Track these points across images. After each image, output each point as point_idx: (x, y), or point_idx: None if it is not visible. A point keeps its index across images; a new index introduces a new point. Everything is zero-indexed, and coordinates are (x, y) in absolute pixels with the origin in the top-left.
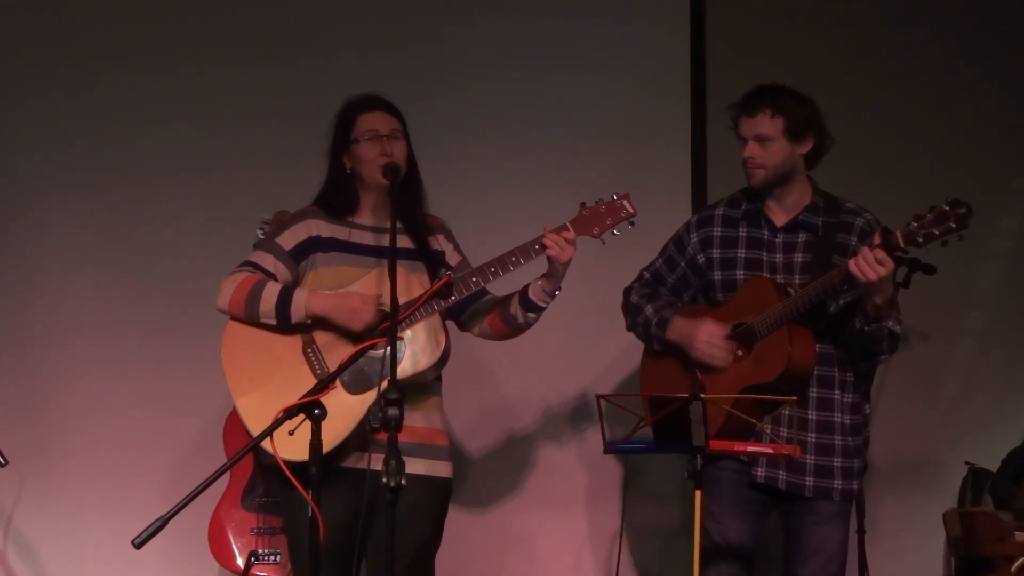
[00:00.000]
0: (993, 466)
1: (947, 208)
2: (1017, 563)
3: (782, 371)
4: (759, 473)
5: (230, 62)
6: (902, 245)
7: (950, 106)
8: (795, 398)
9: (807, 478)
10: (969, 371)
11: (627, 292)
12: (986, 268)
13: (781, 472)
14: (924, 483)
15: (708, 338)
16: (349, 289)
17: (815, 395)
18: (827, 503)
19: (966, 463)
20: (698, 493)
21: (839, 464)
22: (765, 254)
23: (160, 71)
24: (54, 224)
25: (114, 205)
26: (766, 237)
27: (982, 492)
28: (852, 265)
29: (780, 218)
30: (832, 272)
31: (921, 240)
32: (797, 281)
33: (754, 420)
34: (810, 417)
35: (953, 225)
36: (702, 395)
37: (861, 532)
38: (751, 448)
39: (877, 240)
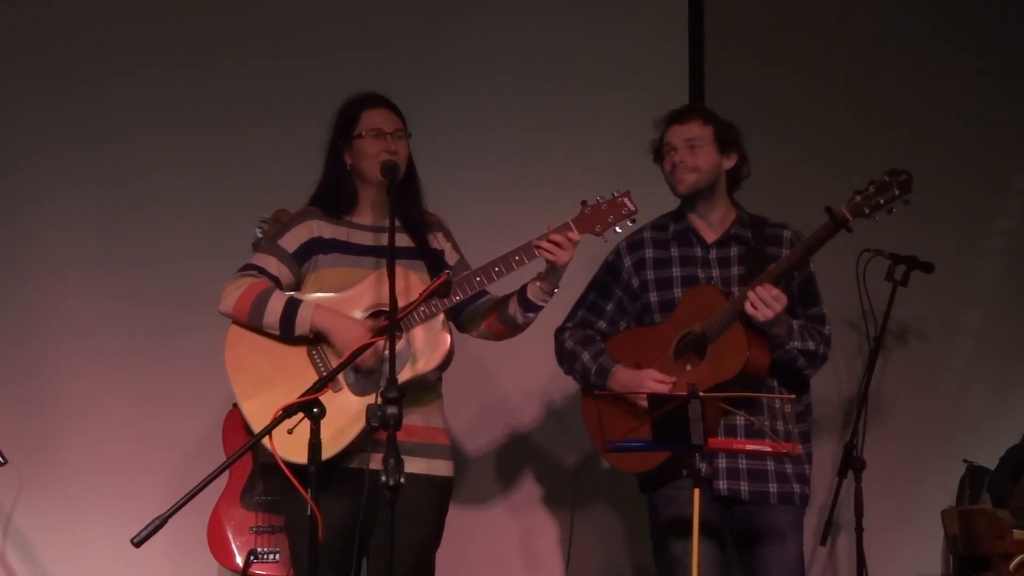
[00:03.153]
0: (991, 464)
1: (888, 178)
2: (1015, 561)
3: (742, 367)
4: (722, 486)
5: (227, 60)
6: (850, 219)
7: (949, 105)
8: (794, 396)
9: (770, 485)
10: (967, 369)
11: (559, 334)
12: (984, 266)
13: (743, 483)
14: (922, 481)
15: (654, 386)
16: (349, 293)
17: (764, 402)
18: (783, 515)
19: (964, 461)
20: (696, 492)
21: (791, 470)
22: (700, 270)
23: (158, 69)
24: (53, 222)
25: (113, 203)
26: (699, 254)
27: (980, 490)
28: (748, 306)
29: (710, 235)
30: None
31: (868, 211)
32: (736, 294)
33: (727, 407)
34: (776, 405)
35: (897, 192)
36: (701, 393)
37: (860, 530)
38: (750, 446)
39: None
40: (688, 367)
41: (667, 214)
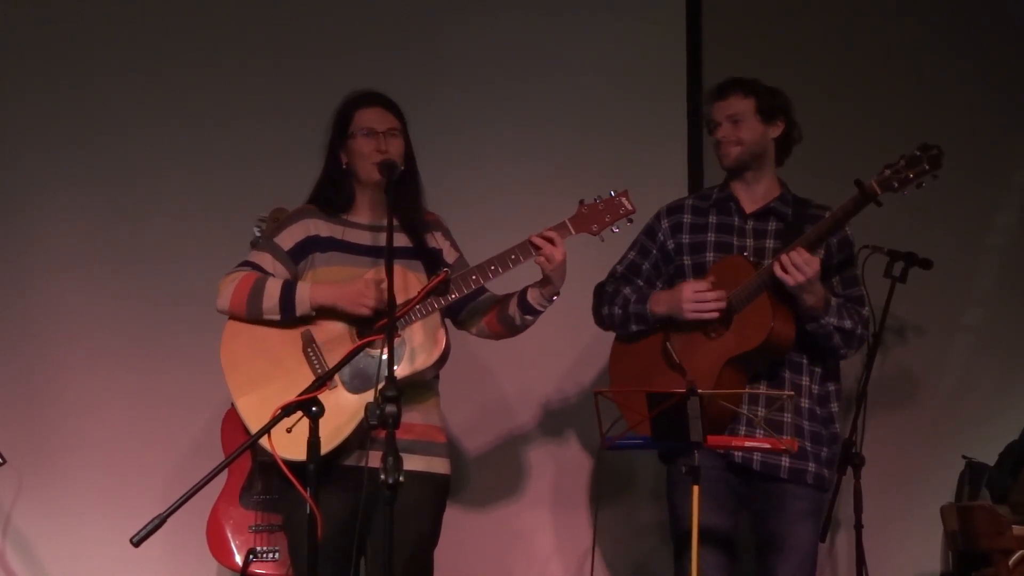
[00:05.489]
0: (990, 460)
1: (918, 153)
2: (1015, 557)
3: (765, 338)
4: (736, 454)
5: (228, 60)
6: (879, 192)
7: (948, 101)
8: (792, 393)
9: (783, 459)
10: (966, 366)
11: (600, 287)
12: (983, 262)
13: (756, 453)
14: (922, 477)
15: (694, 294)
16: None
17: (787, 377)
18: (797, 498)
19: (964, 457)
20: (695, 489)
21: (809, 448)
22: (735, 239)
23: (158, 68)
24: (51, 221)
25: (111, 202)
26: (736, 223)
27: (980, 486)
28: (777, 268)
29: (750, 205)
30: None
31: (897, 185)
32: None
33: (737, 408)
34: (785, 418)
35: (927, 167)
36: (699, 391)
37: (859, 527)
38: (748, 443)
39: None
40: (713, 335)
41: (714, 186)
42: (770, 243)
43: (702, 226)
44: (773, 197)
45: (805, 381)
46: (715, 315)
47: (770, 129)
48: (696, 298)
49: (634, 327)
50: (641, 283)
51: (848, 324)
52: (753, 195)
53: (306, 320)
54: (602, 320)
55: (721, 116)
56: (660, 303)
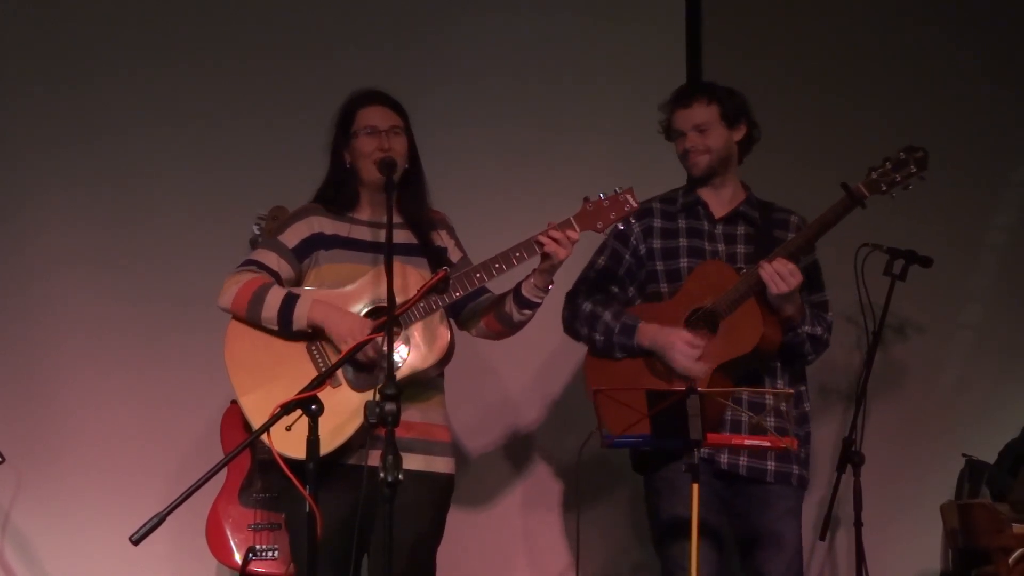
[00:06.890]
0: (990, 458)
1: (903, 155)
2: (1014, 555)
3: (757, 342)
4: (722, 460)
5: (227, 59)
6: (867, 195)
7: (947, 99)
8: (791, 392)
9: (768, 463)
10: (966, 363)
11: (572, 297)
12: (983, 260)
13: (742, 458)
14: (921, 475)
15: (690, 348)
16: (348, 289)
17: (767, 381)
18: (782, 498)
19: (963, 455)
20: (695, 487)
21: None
22: (707, 243)
23: (157, 68)
24: (51, 221)
25: (111, 201)
26: (706, 227)
27: (979, 484)
28: (764, 275)
29: (718, 210)
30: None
31: (885, 188)
32: (747, 270)
33: (731, 404)
34: (767, 402)
35: (914, 168)
36: (700, 389)
37: (859, 525)
38: (748, 441)
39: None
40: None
41: (677, 188)
42: (741, 248)
43: (673, 231)
44: (740, 201)
45: (780, 384)
46: (699, 376)
47: (734, 133)
48: (691, 353)
49: (619, 355)
50: (616, 290)
51: (818, 331)
52: (721, 199)
53: None
54: (578, 336)
55: (686, 125)
56: (647, 338)
